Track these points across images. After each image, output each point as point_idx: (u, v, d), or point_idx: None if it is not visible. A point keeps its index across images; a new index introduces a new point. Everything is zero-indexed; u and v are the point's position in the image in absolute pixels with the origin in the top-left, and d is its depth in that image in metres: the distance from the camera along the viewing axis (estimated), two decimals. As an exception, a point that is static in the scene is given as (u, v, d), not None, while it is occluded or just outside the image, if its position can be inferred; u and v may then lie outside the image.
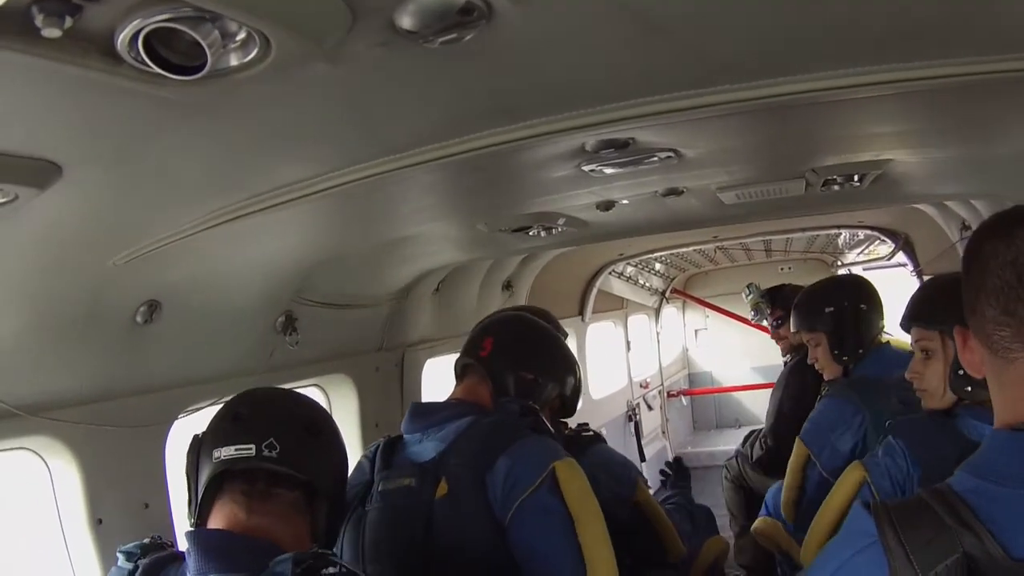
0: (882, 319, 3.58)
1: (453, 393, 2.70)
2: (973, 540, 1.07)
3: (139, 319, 2.41)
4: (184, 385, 2.78)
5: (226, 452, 1.86)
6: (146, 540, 1.97)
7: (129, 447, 2.53)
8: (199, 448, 1.94)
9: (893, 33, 1.51)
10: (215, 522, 1.87)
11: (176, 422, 2.76)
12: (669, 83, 1.69)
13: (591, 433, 3.21)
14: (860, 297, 3.55)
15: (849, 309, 3.50)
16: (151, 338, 2.51)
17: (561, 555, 2.24)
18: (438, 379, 4.42)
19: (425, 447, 2.45)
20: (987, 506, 1.11)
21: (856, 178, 3.07)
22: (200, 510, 1.90)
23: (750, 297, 6.20)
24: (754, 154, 2.70)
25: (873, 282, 3.76)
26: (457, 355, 2.78)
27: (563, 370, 2.81)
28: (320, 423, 2.03)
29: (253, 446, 1.85)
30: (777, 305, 5.42)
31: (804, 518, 3.04)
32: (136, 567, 1.89)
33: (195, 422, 2.87)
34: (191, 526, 1.92)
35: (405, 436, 2.54)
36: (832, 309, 3.53)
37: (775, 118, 2.12)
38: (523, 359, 2.69)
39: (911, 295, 2.52)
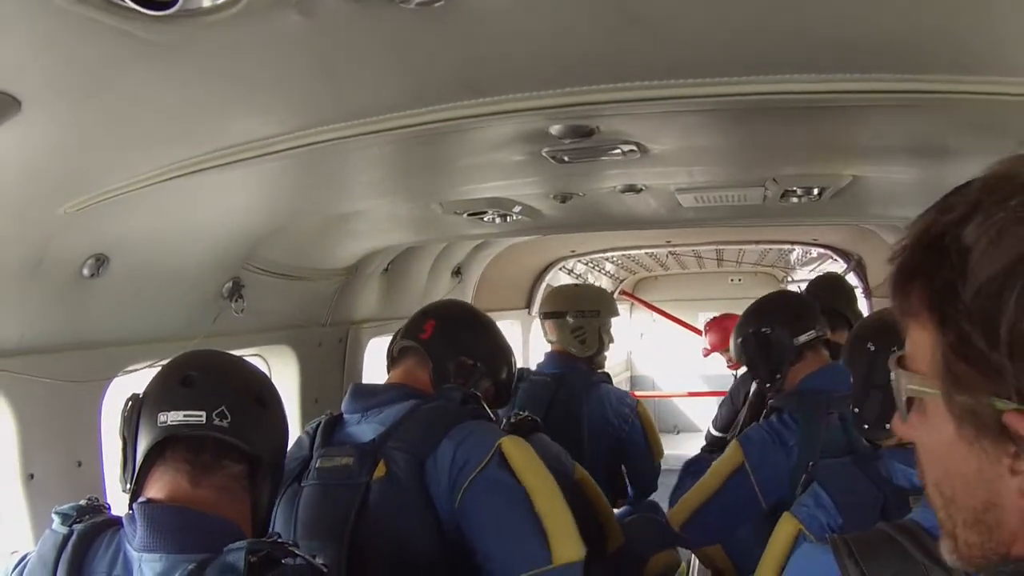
0: (804, 332, 3.29)
1: (391, 376, 2.72)
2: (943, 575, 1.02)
3: (86, 272, 2.37)
4: (126, 343, 2.74)
5: (173, 417, 1.78)
6: (82, 502, 1.87)
7: (66, 402, 2.49)
8: (139, 409, 1.85)
9: (863, 43, 1.54)
10: (155, 491, 1.79)
11: (114, 380, 2.71)
12: (639, 71, 1.70)
13: (533, 420, 3.20)
14: (761, 322, 3.38)
15: (752, 337, 3.37)
16: (96, 292, 2.47)
17: (519, 528, 2.21)
18: (382, 359, 4.39)
19: (364, 428, 2.45)
20: None
21: (816, 191, 3.11)
22: (138, 476, 1.82)
23: None
24: (717, 155, 2.74)
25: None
26: None
27: (502, 359, 2.84)
28: (268, 394, 1.98)
29: (203, 413, 1.78)
30: None
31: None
32: (71, 531, 1.78)
33: (130, 382, 2.84)
34: (125, 491, 1.85)
35: (345, 416, 2.54)
36: (740, 340, 3.45)
37: (741, 119, 2.14)
38: (464, 344, 2.71)
39: None
